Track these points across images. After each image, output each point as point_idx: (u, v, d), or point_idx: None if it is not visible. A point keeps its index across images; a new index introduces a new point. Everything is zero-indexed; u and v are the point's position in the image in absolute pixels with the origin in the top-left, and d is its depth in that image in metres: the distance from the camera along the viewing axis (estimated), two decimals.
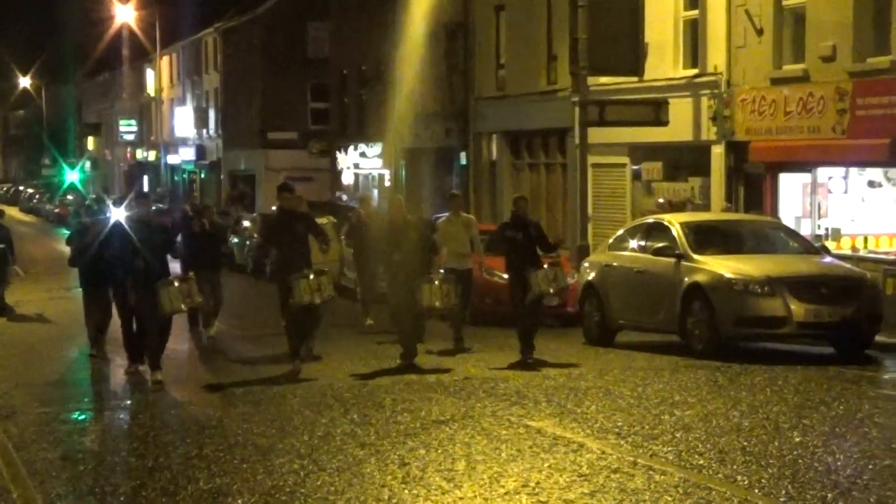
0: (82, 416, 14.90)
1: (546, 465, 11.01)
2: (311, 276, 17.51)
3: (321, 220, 24.50)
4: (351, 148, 53.00)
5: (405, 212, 19.82)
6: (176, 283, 16.89)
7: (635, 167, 31.18)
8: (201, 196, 61.10)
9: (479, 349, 20.09)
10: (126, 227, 17.21)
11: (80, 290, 20.77)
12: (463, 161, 40.93)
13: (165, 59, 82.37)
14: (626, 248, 21.12)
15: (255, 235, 36.38)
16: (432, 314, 19.68)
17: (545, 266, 18.91)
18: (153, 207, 20.78)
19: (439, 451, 11.65)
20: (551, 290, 19.00)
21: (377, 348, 20.35)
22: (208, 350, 21.25)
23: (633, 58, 28.40)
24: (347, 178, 53.91)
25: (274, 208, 21.30)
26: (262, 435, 12.71)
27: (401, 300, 18.64)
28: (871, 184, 24.58)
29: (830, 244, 23.60)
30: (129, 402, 15.87)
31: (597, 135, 28.97)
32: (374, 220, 24.19)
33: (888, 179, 24.09)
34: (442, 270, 20.12)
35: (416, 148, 45.51)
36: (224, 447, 12.19)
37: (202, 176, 77.41)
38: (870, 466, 10.76)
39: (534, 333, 18.86)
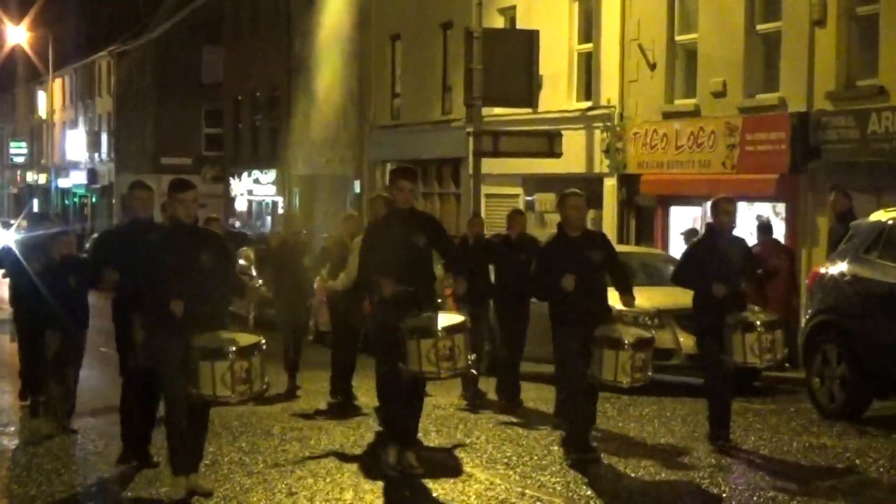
0: None
1: (434, 495, 10.97)
2: (441, 329, 11.56)
3: None
4: (245, 174, 52.76)
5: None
6: (231, 358, 10.56)
7: (529, 198, 31.31)
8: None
9: None
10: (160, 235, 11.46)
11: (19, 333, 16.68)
12: (357, 189, 40.87)
13: (58, 81, 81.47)
14: None
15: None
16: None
17: (758, 323, 13.12)
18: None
19: (328, 481, 11.58)
20: (759, 364, 13.52)
21: None
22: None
23: (527, 89, 28.54)
24: (241, 205, 53.64)
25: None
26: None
27: (572, 357, 12.40)
28: (760, 218, 24.87)
29: None
30: (12, 428, 15.56)
31: (491, 165, 29.08)
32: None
33: (776, 214, 24.38)
34: None
35: (309, 175, 45.39)
36: (114, 481, 12.02)
37: (94, 200, 76.57)
38: (754, 498, 10.85)
39: (729, 407, 13.73)
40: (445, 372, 11.61)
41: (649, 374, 12.37)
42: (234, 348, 10.56)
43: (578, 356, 12.17)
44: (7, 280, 16.87)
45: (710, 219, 13.92)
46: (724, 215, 13.39)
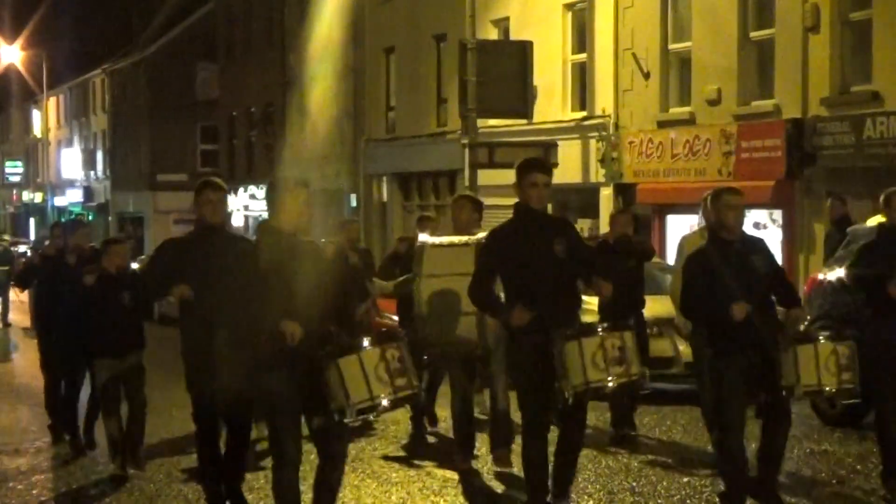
0: None
1: None
2: (601, 331, 9.42)
3: None
4: (241, 190, 52.75)
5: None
6: (372, 347, 8.52)
7: None
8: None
9: None
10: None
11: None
12: (353, 203, 40.89)
13: (52, 100, 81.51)
14: None
15: None
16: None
17: None
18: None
19: None
20: None
21: None
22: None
23: (522, 100, 28.57)
24: (237, 220, 53.62)
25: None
26: (149, 480, 12.54)
27: (736, 391, 9.92)
28: (757, 225, 24.89)
29: None
30: (13, 448, 15.49)
31: (486, 176, 29.05)
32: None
33: (773, 221, 24.42)
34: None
35: None
36: (111, 496, 12.01)
37: (90, 218, 76.56)
38: None
39: None
40: (616, 379, 9.16)
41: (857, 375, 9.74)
42: (371, 338, 8.56)
43: (741, 390, 9.91)
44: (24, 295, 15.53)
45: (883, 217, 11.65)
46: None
